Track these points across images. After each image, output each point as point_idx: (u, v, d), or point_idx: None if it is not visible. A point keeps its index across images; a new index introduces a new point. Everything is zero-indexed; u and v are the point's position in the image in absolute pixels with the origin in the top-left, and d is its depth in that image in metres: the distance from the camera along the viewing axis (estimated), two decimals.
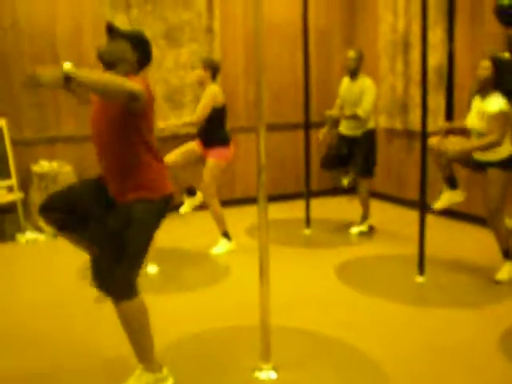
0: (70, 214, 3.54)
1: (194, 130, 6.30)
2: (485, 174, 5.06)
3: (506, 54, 5.42)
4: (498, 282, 5.04)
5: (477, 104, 5.08)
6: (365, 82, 6.51)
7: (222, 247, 6.16)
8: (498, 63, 4.94)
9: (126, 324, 3.39)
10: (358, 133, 6.60)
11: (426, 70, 4.98)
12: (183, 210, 6.40)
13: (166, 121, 6.58)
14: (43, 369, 3.75)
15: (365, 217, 6.82)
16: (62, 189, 3.66)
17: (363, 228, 6.78)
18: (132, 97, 3.18)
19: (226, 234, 6.19)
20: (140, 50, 3.53)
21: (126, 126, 3.35)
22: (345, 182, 6.92)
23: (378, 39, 7.94)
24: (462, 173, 5.88)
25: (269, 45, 7.78)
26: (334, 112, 6.79)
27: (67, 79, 2.90)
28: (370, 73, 7.92)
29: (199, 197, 6.38)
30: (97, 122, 3.45)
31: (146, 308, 3.43)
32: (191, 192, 6.39)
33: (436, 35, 6.93)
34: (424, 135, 5.03)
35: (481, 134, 4.99)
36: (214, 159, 6.03)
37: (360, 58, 6.53)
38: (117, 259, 3.34)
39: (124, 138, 3.38)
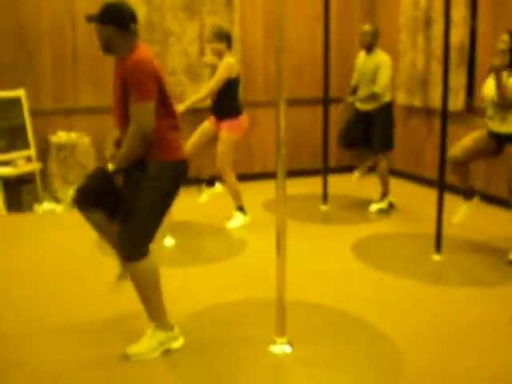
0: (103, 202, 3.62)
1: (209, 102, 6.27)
2: (503, 154, 5.04)
3: None
4: (511, 262, 5.02)
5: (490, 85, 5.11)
6: (380, 57, 6.48)
7: (236, 221, 6.17)
8: None
9: (136, 284, 3.54)
10: (373, 107, 6.56)
11: (448, 46, 4.92)
12: (202, 198, 6.42)
13: (184, 99, 6.52)
14: (60, 326, 3.82)
15: (384, 194, 6.77)
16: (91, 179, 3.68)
17: (382, 205, 6.73)
18: (150, 131, 3.43)
19: (241, 208, 6.19)
20: (125, 25, 3.51)
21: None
22: (355, 175, 6.94)
23: (399, 14, 7.84)
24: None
25: (289, 18, 7.69)
26: (350, 98, 6.74)
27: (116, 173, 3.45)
28: (390, 47, 7.85)
29: (219, 187, 6.41)
30: (114, 92, 3.58)
31: (156, 269, 3.54)
32: (211, 182, 6.42)
33: (458, 12, 6.83)
34: (444, 113, 4.98)
35: (495, 103, 5.05)
36: (227, 131, 6.02)
37: (375, 33, 6.49)
38: (126, 217, 3.47)
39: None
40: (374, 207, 6.76)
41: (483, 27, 6.60)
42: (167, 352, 3.58)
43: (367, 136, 6.65)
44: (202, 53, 7.50)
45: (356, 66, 6.78)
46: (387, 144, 6.61)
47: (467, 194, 5.49)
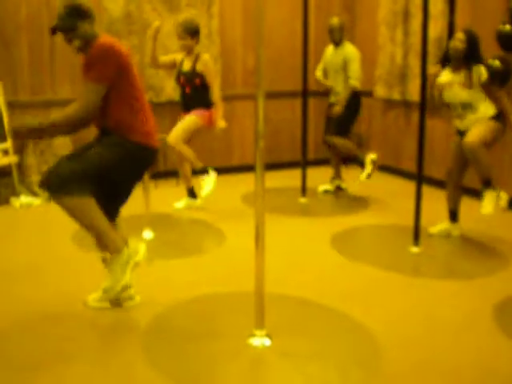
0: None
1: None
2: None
3: (508, 27, 5.45)
4: (483, 215, 5.11)
5: (447, 75, 5.20)
6: (348, 49, 6.68)
7: (208, 184, 6.23)
8: (471, 37, 5.05)
9: (74, 217, 3.65)
10: (337, 99, 6.80)
11: (426, 40, 4.93)
12: (179, 205, 6.45)
13: (162, 92, 6.53)
14: (37, 320, 3.78)
15: (336, 176, 7.11)
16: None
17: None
18: (90, 116, 3.58)
19: (203, 170, 6.25)
20: (86, 13, 3.67)
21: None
22: (320, 188, 7.20)
23: (378, 7, 7.86)
24: None
25: (268, 11, 7.70)
26: (332, 99, 6.91)
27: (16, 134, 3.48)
28: (369, 40, 7.89)
29: (198, 202, 6.46)
30: None
31: (88, 202, 3.61)
32: (193, 194, 6.42)
33: (437, 6, 6.86)
34: (422, 106, 5.00)
35: (466, 104, 5.11)
36: (193, 115, 6.10)
37: (343, 27, 6.69)
38: (68, 158, 3.63)
39: (108, 100, 3.65)
40: (321, 187, 7.11)
41: (461, 21, 6.63)
42: (146, 348, 3.56)
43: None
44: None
45: (324, 57, 6.93)
46: (341, 132, 6.80)
47: (452, 215, 5.54)
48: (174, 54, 6.46)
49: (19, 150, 6.92)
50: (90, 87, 3.51)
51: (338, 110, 6.70)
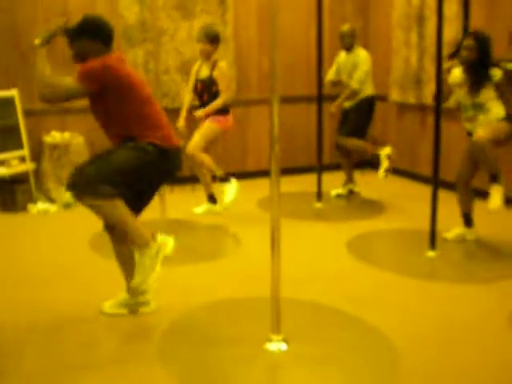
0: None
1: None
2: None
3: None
4: (490, 212, 5.08)
5: (459, 75, 5.19)
6: (358, 54, 6.72)
7: (229, 193, 6.23)
8: (481, 42, 5.01)
9: (99, 215, 3.71)
10: (352, 103, 6.80)
11: (441, 43, 4.92)
12: (198, 210, 6.47)
13: (178, 98, 6.61)
14: (54, 327, 3.79)
15: (349, 180, 7.09)
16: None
17: (341, 191, 7.02)
18: (70, 96, 3.73)
19: (225, 179, 6.25)
20: (98, 36, 3.79)
21: (109, 101, 3.72)
22: (333, 193, 7.19)
23: (393, 11, 7.85)
24: None
25: (282, 16, 7.71)
26: (336, 103, 6.95)
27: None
28: (383, 44, 7.89)
29: (218, 207, 6.48)
30: (91, 104, 3.89)
31: (115, 202, 3.63)
32: (213, 199, 6.45)
33: (451, 9, 6.83)
34: (438, 109, 4.99)
35: (477, 105, 5.08)
36: (210, 122, 6.11)
37: (354, 33, 6.74)
38: (93, 161, 3.71)
39: (112, 113, 3.75)
40: (333, 192, 7.09)
41: (476, 23, 6.60)
42: (161, 352, 3.57)
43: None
44: (194, 51, 7.49)
45: (336, 63, 6.94)
46: (353, 133, 6.81)
47: (466, 218, 5.51)
48: (192, 69, 6.46)
49: (36, 157, 6.97)
50: (72, 81, 3.70)
51: (334, 106, 6.85)
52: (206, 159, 6.15)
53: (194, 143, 6.10)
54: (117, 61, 3.72)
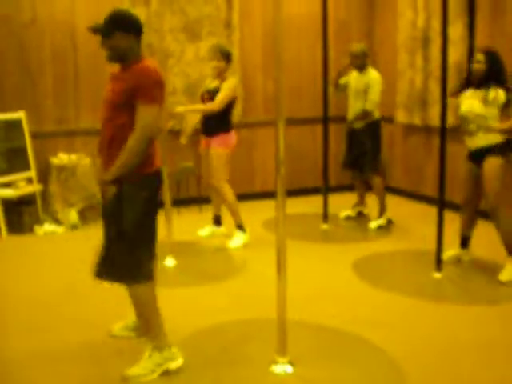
0: None
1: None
2: (480, 168, 5.14)
3: None
4: (502, 283, 5.02)
5: (471, 94, 5.15)
6: (371, 75, 6.62)
7: (237, 240, 6.16)
8: (491, 56, 5.04)
9: (137, 305, 3.59)
10: (361, 125, 6.72)
11: (446, 66, 4.95)
12: (203, 232, 6.48)
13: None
14: (62, 349, 3.80)
15: (382, 210, 6.84)
16: None
17: (381, 222, 6.79)
18: (154, 135, 3.47)
19: (240, 227, 6.20)
20: (130, 28, 3.55)
21: (128, 110, 3.47)
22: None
23: (398, 33, 7.89)
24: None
25: (287, 38, 7.76)
26: (348, 123, 6.88)
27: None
28: (388, 66, 7.92)
29: (222, 230, 6.47)
30: (105, 110, 3.64)
31: (151, 290, 3.57)
32: (218, 221, 6.45)
33: (456, 31, 6.87)
34: (443, 131, 5.00)
35: (481, 118, 5.02)
36: (218, 147, 6.06)
37: (365, 53, 6.64)
38: (115, 240, 3.48)
39: (121, 122, 3.51)
40: (373, 224, 6.80)
41: (481, 45, 6.64)
42: (166, 373, 3.57)
43: (357, 157, 6.81)
44: (201, 73, 7.54)
45: (348, 80, 6.85)
46: (376, 166, 6.76)
47: (463, 240, 5.53)
48: (202, 86, 6.44)
49: (43, 179, 7.00)
50: (147, 109, 3.40)
51: (355, 125, 6.74)
52: (232, 199, 6.12)
53: (216, 176, 6.06)
54: (154, 63, 3.58)
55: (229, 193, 6.09)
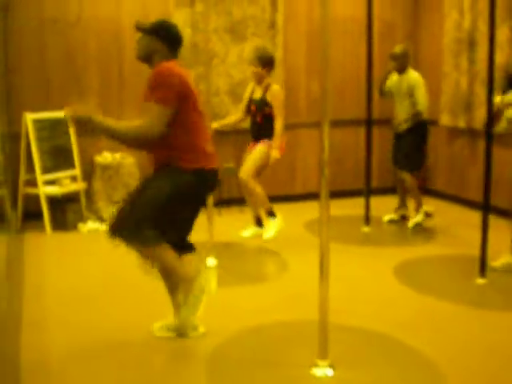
0: None
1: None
2: None
3: None
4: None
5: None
6: (413, 76, 6.60)
7: (270, 231, 6.17)
8: None
9: (157, 264, 3.81)
10: (408, 125, 6.68)
11: (492, 68, 4.88)
12: (246, 233, 6.50)
13: (225, 117, 6.63)
14: (104, 346, 3.84)
15: (418, 207, 6.85)
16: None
17: (418, 219, 6.81)
18: (154, 136, 3.60)
19: (271, 213, 6.22)
20: (166, 38, 3.80)
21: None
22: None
23: (443, 35, 7.81)
24: None
25: (332, 39, 7.72)
26: (400, 127, 6.82)
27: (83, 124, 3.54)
28: (433, 68, 7.83)
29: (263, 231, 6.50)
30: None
31: (161, 248, 3.71)
32: (260, 222, 6.48)
33: (503, 33, 6.77)
34: (489, 134, 4.94)
35: None
36: (262, 146, 6.10)
37: (406, 55, 6.61)
38: (131, 204, 3.68)
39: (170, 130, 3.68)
40: (410, 223, 6.82)
41: None
42: (209, 372, 3.57)
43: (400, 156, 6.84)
44: (244, 74, 7.56)
45: (389, 84, 6.83)
46: (412, 164, 6.74)
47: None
48: (247, 89, 6.47)
49: (87, 177, 7.09)
50: (156, 107, 3.58)
51: (402, 127, 6.70)
52: (258, 189, 6.14)
53: (247, 169, 6.12)
54: (176, 67, 3.76)
55: (256, 187, 6.13)
